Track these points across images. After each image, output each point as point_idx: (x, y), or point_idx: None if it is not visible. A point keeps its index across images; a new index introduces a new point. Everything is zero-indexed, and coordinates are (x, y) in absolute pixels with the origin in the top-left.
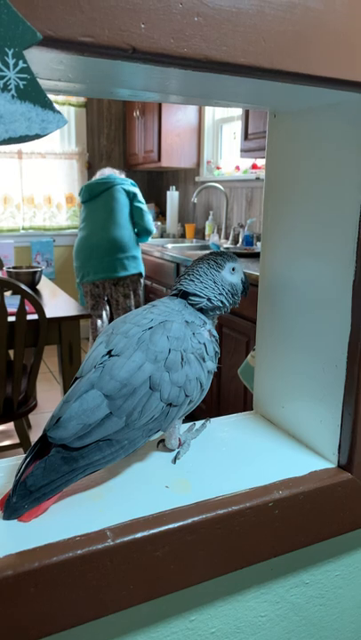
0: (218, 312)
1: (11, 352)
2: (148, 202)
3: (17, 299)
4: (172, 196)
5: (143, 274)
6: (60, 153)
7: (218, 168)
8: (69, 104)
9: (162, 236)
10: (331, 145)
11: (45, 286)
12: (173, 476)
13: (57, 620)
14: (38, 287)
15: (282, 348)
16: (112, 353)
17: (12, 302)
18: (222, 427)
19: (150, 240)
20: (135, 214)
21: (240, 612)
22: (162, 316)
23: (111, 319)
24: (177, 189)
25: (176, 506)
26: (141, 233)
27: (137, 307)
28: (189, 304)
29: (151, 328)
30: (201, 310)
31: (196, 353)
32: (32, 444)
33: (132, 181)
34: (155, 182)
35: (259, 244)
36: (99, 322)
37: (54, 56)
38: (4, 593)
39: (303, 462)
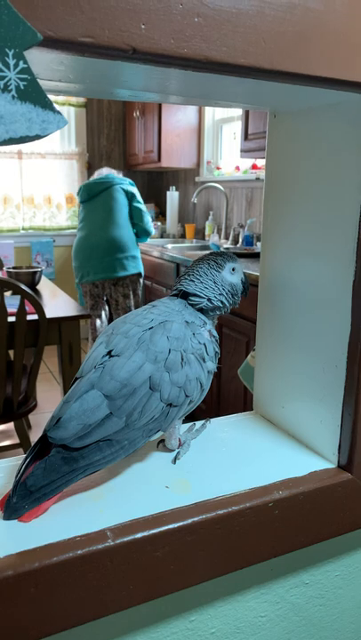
0: (218, 312)
1: (11, 352)
2: (147, 202)
3: (17, 299)
4: (172, 197)
5: (142, 274)
6: (60, 153)
7: (218, 168)
8: (69, 104)
9: (162, 237)
10: (331, 145)
11: (45, 286)
12: (173, 476)
13: (57, 620)
14: (38, 287)
15: (282, 348)
16: (112, 353)
17: (11, 302)
18: (222, 427)
19: (150, 240)
20: (134, 215)
21: (240, 612)
22: (162, 316)
23: (110, 319)
24: (177, 189)
25: (176, 506)
26: (140, 233)
27: (136, 307)
28: (189, 304)
29: (151, 328)
30: (201, 310)
31: (196, 353)
32: (32, 444)
33: (131, 181)
34: (155, 182)
35: (259, 244)
36: (98, 322)
37: (55, 57)
38: (4, 593)
39: (303, 462)
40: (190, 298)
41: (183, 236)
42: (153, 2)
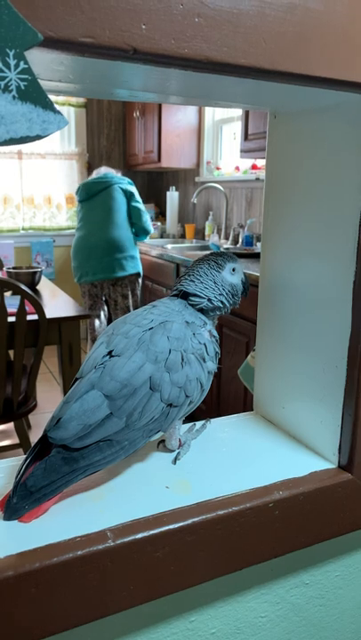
0: (218, 312)
1: (11, 352)
2: (147, 202)
3: (17, 299)
4: (172, 197)
5: (141, 274)
6: (59, 153)
7: (218, 168)
8: (69, 104)
9: (162, 237)
10: (331, 146)
11: (45, 287)
12: (174, 476)
13: (58, 620)
14: (38, 287)
15: (282, 348)
16: (112, 353)
17: (12, 302)
18: (222, 427)
19: (150, 240)
20: (133, 214)
21: (240, 612)
22: (162, 316)
23: (109, 320)
24: (177, 190)
25: (176, 506)
26: (139, 232)
27: (135, 307)
28: (190, 304)
29: (151, 329)
30: (201, 311)
31: (196, 353)
32: (32, 444)
33: (130, 180)
34: (155, 183)
35: (259, 244)
36: (97, 322)
37: (55, 57)
38: (4, 593)
39: (303, 463)
40: (190, 298)
41: (183, 236)
42: (153, 2)
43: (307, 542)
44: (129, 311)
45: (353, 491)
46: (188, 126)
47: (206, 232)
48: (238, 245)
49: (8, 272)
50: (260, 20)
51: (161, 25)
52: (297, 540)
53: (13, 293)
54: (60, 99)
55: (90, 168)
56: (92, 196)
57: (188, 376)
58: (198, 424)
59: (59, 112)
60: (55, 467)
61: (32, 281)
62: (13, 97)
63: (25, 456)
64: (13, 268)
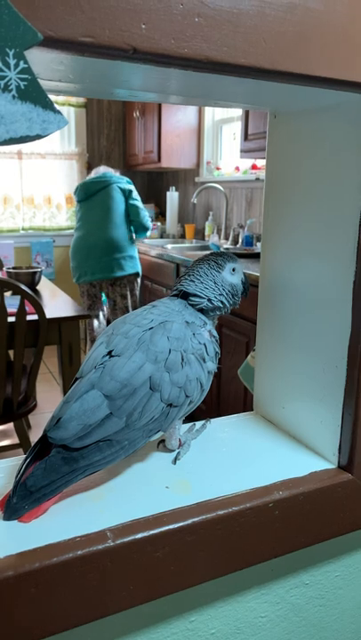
0: (218, 313)
1: (11, 352)
2: (147, 202)
3: (17, 299)
4: (172, 197)
5: (140, 273)
6: (59, 153)
7: (218, 169)
8: (69, 104)
9: (162, 237)
10: (331, 146)
11: (45, 287)
12: (174, 476)
13: (57, 620)
14: (38, 287)
15: (282, 348)
16: (112, 353)
17: (11, 303)
18: (222, 427)
19: (150, 240)
20: (130, 211)
21: (240, 612)
22: (162, 316)
23: (108, 320)
24: (177, 190)
25: (176, 506)
26: (138, 229)
27: (134, 307)
28: (190, 304)
29: (151, 328)
30: (201, 311)
31: (196, 353)
32: (32, 444)
33: (128, 179)
34: (155, 183)
35: (259, 244)
36: (95, 322)
37: (55, 56)
38: (4, 593)
39: (303, 463)
40: (190, 298)
41: (183, 236)
42: (153, 2)
43: (307, 542)
44: (128, 311)
45: (353, 491)
46: (187, 126)
47: (206, 232)
48: (238, 245)
49: (8, 272)
50: (260, 20)
51: (161, 25)
52: (297, 540)
53: (13, 293)
54: (60, 99)
55: (90, 168)
56: (91, 196)
57: (188, 376)
58: (198, 424)
59: (59, 112)
60: (55, 467)
61: (32, 281)
62: (13, 96)
63: (25, 456)
64: (13, 268)
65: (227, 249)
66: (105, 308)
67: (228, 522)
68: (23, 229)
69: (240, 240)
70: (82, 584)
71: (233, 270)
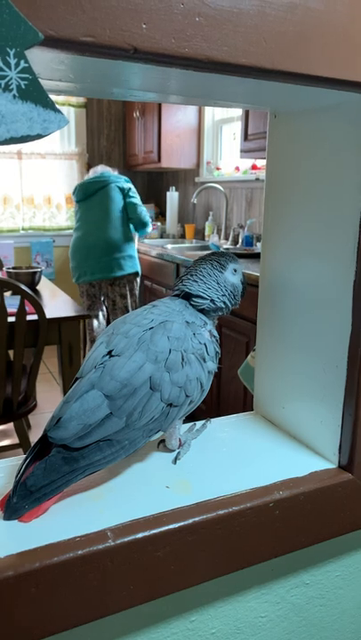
0: (220, 313)
1: (10, 352)
2: (147, 202)
3: (17, 299)
4: (172, 197)
5: (140, 273)
6: (59, 153)
7: (218, 169)
8: (69, 104)
9: (162, 237)
10: (332, 146)
11: (45, 287)
12: (174, 476)
13: (58, 620)
14: (38, 287)
15: (282, 348)
16: (112, 353)
17: (11, 303)
18: (223, 427)
19: (150, 240)
20: (128, 208)
21: (240, 612)
22: (162, 316)
23: (108, 319)
24: (177, 190)
25: (177, 506)
26: (137, 226)
27: (134, 307)
28: (191, 305)
29: (152, 328)
30: (202, 311)
31: (196, 353)
32: (32, 444)
33: (126, 178)
34: (155, 183)
35: (258, 244)
36: (95, 322)
37: (55, 56)
38: (4, 593)
39: (304, 463)
40: (193, 299)
41: (183, 236)
42: (154, 1)
43: (307, 542)
44: (127, 311)
45: (353, 491)
46: (187, 126)
47: (206, 232)
48: (238, 245)
49: (8, 272)
50: (260, 20)
51: (161, 24)
52: (297, 539)
53: (13, 293)
54: (61, 99)
55: (89, 168)
56: (90, 196)
57: (188, 376)
58: (198, 424)
59: (59, 111)
60: (55, 466)
61: (32, 281)
62: (14, 96)
63: (25, 456)
64: (13, 268)
65: (227, 249)
66: (105, 308)
67: (228, 522)
68: (23, 229)
69: (240, 240)
70: (82, 584)
71: (234, 271)
